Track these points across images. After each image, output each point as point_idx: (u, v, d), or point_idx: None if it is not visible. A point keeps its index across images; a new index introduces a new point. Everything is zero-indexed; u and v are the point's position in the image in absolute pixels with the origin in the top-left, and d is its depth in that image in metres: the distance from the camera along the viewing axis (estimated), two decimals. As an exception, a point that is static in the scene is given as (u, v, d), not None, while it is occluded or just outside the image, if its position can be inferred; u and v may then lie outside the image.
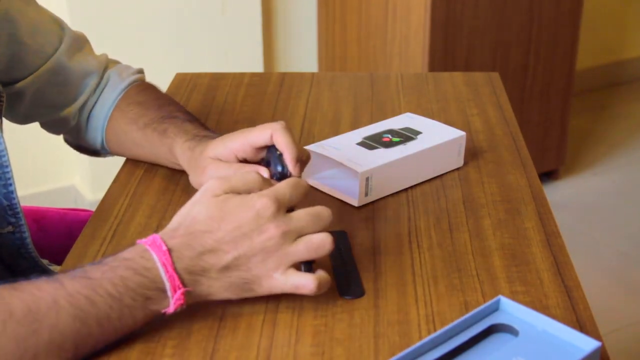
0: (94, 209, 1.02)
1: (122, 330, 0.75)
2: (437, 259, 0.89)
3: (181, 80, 1.38)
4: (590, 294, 0.93)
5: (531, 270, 0.87)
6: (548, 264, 0.88)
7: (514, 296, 0.83)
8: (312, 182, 1.01)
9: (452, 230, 0.94)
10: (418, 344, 0.71)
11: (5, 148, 0.96)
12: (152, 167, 1.09)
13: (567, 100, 2.68)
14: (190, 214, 0.79)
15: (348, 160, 0.99)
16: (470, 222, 0.96)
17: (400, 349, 0.74)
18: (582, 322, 0.79)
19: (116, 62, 1.17)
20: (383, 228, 0.95)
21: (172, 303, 0.76)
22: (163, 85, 1.23)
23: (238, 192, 0.79)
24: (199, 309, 0.80)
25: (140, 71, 1.16)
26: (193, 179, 0.99)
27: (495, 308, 0.77)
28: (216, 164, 0.95)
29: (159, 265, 0.75)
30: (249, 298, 0.81)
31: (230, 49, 2.54)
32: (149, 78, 1.18)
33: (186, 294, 0.77)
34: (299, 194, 0.81)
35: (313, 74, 1.41)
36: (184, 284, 0.76)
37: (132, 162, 1.11)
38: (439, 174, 1.07)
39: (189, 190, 1.02)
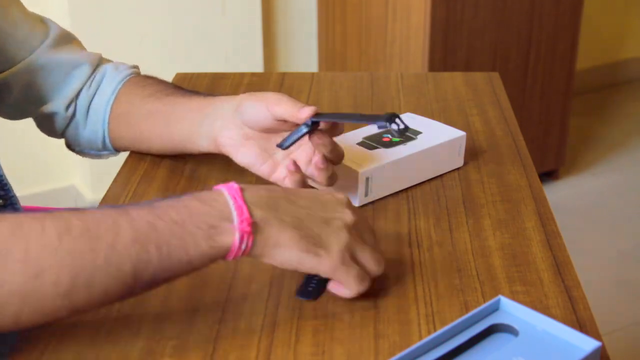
0: (94, 209, 1.02)
1: (183, 262, 0.72)
2: (437, 259, 0.89)
3: (181, 80, 1.38)
4: (590, 294, 0.93)
5: (531, 270, 0.87)
6: (548, 264, 0.88)
7: (514, 296, 0.83)
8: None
9: (452, 230, 0.94)
10: (418, 344, 0.71)
11: None
12: (153, 166, 1.09)
13: (567, 100, 2.68)
14: None
15: (348, 160, 0.99)
16: (470, 222, 0.96)
17: (400, 349, 0.74)
18: (582, 322, 0.79)
19: (109, 61, 1.17)
20: (383, 228, 0.95)
21: (237, 232, 0.73)
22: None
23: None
24: (199, 309, 0.80)
25: (136, 67, 1.16)
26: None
27: (495, 308, 0.77)
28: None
29: (227, 197, 0.74)
30: (248, 298, 0.82)
31: (230, 49, 2.54)
32: (149, 78, 1.18)
33: (254, 232, 0.74)
34: (365, 227, 0.82)
35: (313, 74, 1.41)
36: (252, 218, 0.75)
37: (133, 161, 1.11)
38: (439, 174, 1.07)
39: (190, 190, 1.02)
